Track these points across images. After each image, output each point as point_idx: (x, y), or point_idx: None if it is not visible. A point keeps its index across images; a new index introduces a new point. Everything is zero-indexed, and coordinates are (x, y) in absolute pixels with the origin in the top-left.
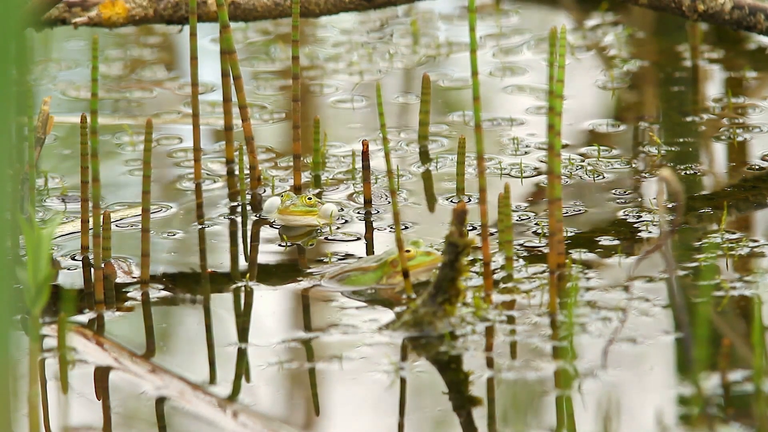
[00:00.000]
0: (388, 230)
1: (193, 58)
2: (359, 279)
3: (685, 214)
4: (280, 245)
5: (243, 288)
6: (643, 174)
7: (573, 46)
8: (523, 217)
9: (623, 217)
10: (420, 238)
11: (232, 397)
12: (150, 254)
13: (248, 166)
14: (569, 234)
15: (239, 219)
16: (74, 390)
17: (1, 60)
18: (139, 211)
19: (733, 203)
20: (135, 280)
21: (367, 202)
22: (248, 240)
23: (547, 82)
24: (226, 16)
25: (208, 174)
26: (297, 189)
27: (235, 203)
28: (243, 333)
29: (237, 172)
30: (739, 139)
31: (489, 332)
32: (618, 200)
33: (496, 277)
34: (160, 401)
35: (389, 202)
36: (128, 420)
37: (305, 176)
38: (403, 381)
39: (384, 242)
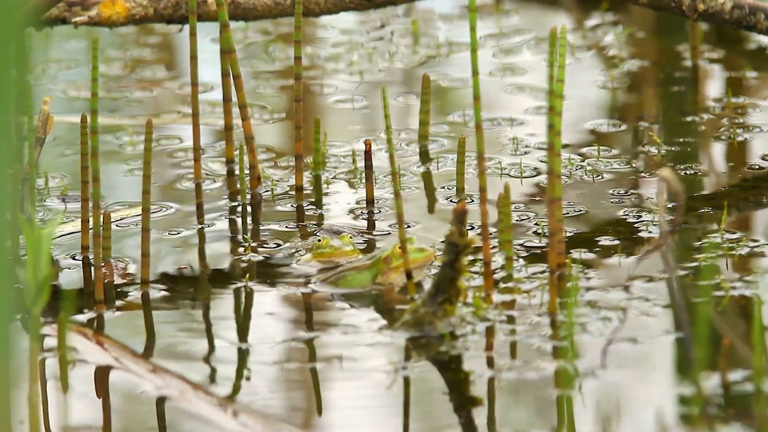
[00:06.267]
0: (390, 230)
1: (193, 58)
2: (355, 279)
3: (685, 214)
4: (278, 245)
5: (243, 288)
6: (643, 174)
7: (573, 46)
8: (523, 217)
9: (623, 217)
10: (414, 235)
11: (232, 397)
12: (150, 254)
13: (248, 166)
14: (569, 234)
15: (239, 219)
16: (74, 390)
17: (1, 60)
18: (139, 211)
19: (733, 203)
20: (133, 280)
21: (370, 202)
22: (248, 240)
23: (547, 82)
24: (226, 15)
25: (207, 174)
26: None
27: (235, 203)
28: (243, 333)
29: (237, 172)
30: (739, 139)
31: (489, 332)
32: (618, 200)
33: (496, 276)
34: (161, 401)
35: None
36: (128, 420)
37: (306, 176)
38: (403, 381)
39: (384, 242)
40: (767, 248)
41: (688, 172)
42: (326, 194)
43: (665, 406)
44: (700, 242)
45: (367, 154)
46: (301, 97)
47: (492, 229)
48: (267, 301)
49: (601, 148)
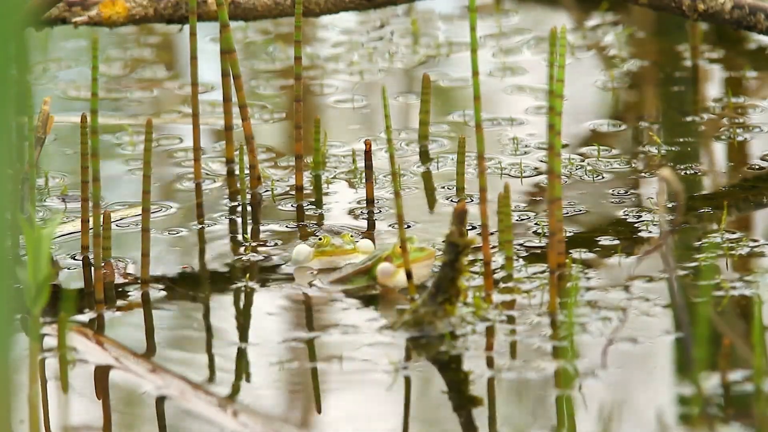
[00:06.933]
0: (391, 229)
1: (193, 58)
2: (355, 278)
3: (685, 214)
4: (276, 244)
5: (243, 288)
6: (643, 174)
7: (573, 46)
8: (523, 217)
9: (623, 217)
10: (414, 235)
11: (233, 396)
12: (150, 254)
13: (248, 166)
14: (569, 234)
15: (239, 219)
16: (74, 390)
17: (1, 60)
18: (139, 211)
19: (733, 203)
20: (133, 280)
21: (370, 202)
22: (248, 240)
23: (547, 82)
24: (226, 15)
25: (207, 174)
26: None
27: (236, 203)
28: (243, 333)
29: (237, 172)
30: (739, 139)
31: (489, 332)
32: (618, 200)
33: (496, 276)
34: (161, 401)
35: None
36: (128, 420)
37: (306, 176)
38: (403, 381)
39: (385, 242)
40: (767, 248)
41: (688, 172)
42: (326, 194)
43: (665, 406)
44: (700, 242)
45: (367, 154)
46: (301, 97)
47: (492, 229)
48: (267, 301)
49: (601, 148)
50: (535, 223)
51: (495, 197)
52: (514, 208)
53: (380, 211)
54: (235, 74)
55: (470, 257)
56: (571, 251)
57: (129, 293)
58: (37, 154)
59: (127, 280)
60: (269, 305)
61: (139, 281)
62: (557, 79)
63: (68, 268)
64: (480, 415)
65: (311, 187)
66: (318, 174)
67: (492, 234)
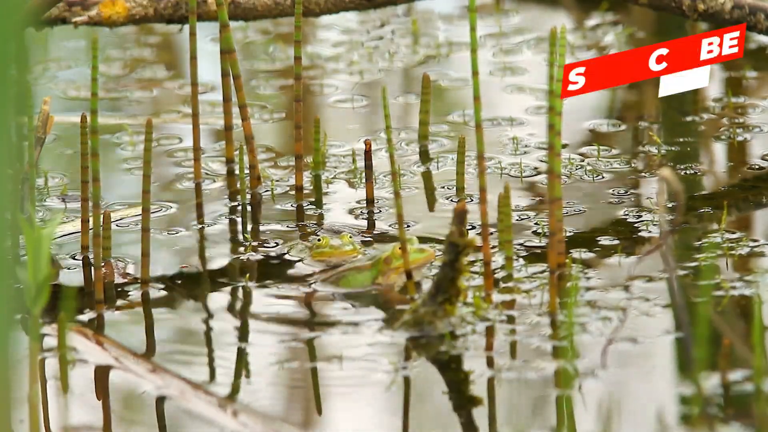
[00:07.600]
0: (390, 229)
1: (193, 58)
2: (355, 279)
3: (685, 214)
4: (277, 244)
5: (243, 288)
6: (643, 174)
7: (573, 46)
8: (523, 217)
9: (623, 217)
10: (414, 236)
11: (233, 396)
12: (149, 254)
13: (248, 166)
14: (569, 234)
15: (239, 219)
16: (74, 390)
17: (1, 60)
18: (139, 210)
19: (733, 203)
20: (133, 280)
21: (370, 202)
22: (248, 240)
23: (547, 82)
24: (226, 15)
25: (207, 174)
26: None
27: (236, 203)
28: (243, 333)
29: (237, 172)
30: (739, 138)
31: (489, 332)
32: (618, 200)
33: (496, 276)
34: (161, 401)
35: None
36: (128, 420)
37: (306, 176)
38: (403, 381)
39: (384, 242)
40: (767, 248)
41: (688, 172)
42: (326, 194)
43: (665, 406)
44: (700, 242)
45: (367, 154)
46: (301, 97)
47: (492, 229)
48: (267, 301)
49: (601, 148)
50: (535, 223)
51: (495, 197)
52: (514, 208)
53: (380, 211)
54: (235, 74)
55: (470, 257)
56: (571, 251)
57: (129, 293)
58: (37, 154)
59: (127, 280)
60: (269, 305)
61: (139, 281)
62: (557, 79)
63: (68, 268)
64: (480, 415)
65: (311, 187)
66: (318, 174)
67: (492, 234)
